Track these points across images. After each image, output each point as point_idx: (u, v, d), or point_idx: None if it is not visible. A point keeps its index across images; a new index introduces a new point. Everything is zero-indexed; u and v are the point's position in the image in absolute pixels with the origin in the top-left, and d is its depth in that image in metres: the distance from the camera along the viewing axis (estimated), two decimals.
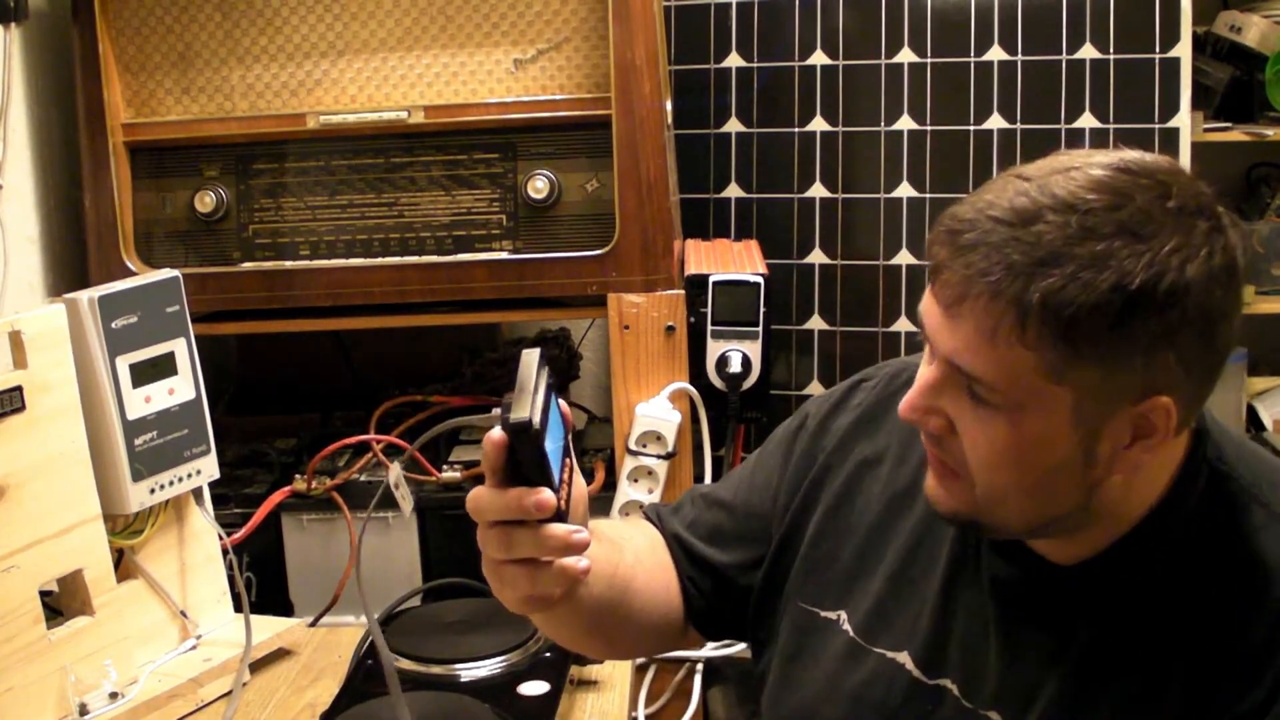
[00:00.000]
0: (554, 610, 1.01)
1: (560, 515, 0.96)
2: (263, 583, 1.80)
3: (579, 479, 1.02)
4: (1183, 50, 2.07)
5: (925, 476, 1.05)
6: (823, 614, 1.15)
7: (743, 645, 1.89)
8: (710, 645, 1.90)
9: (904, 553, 1.12)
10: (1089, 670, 1.00)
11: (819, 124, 2.19)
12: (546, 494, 0.93)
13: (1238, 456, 1.02)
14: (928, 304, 0.97)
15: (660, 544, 1.25)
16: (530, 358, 0.97)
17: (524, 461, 0.94)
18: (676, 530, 1.25)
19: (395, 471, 1.63)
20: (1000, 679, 1.03)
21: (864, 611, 1.12)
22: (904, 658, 1.09)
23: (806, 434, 1.22)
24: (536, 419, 0.92)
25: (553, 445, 0.96)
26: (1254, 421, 2.50)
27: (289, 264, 1.85)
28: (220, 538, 1.68)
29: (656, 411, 1.78)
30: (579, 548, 0.95)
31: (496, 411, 0.94)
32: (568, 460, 1.01)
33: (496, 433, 0.93)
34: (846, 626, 1.13)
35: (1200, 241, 0.89)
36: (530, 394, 0.94)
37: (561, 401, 1.00)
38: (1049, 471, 0.95)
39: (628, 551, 1.17)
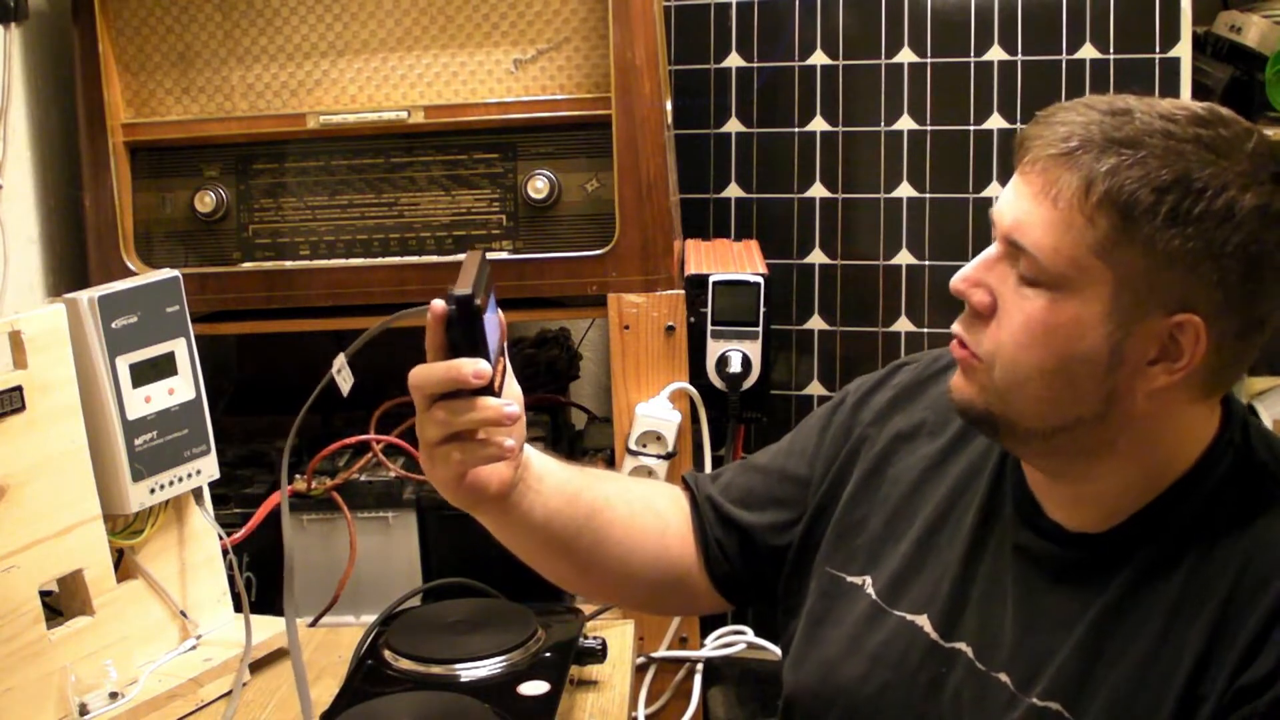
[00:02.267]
0: (495, 508, 1.13)
1: (493, 392, 1.04)
2: (263, 583, 1.80)
3: (513, 381, 1.11)
4: (1183, 50, 2.07)
5: (959, 447, 1.12)
6: (849, 579, 1.18)
7: (743, 645, 1.90)
8: (710, 645, 1.90)
9: (931, 520, 1.14)
10: (1100, 639, 1.01)
11: (819, 124, 2.19)
12: (483, 363, 1.02)
13: (1264, 443, 1.04)
14: (1004, 191, 1.01)
15: (678, 502, 1.30)
16: (474, 255, 1.09)
17: (463, 335, 1.03)
18: (709, 493, 1.29)
19: (339, 360, 1.63)
20: (1014, 644, 1.05)
21: (888, 575, 1.15)
22: (923, 620, 1.11)
23: (845, 409, 1.26)
24: (479, 297, 1.03)
25: (491, 338, 1.05)
26: None
27: (289, 264, 1.85)
28: (220, 538, 1.68)
29: (656, 411, 1.78)
30: (511, 418, 1.04)
31: (436, 303, 1.04)
32: (502, 360, 1.09)
33: (438, 304, 1.03)
34: (870, 590, 1.16)
35: (1265, 180, 0.94)
36: (473, 278, 1.04)
37: (500, 311, 1.11)
38: (1073, 359, 0.97)
39: (610, 486, 1.24)
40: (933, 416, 1.19)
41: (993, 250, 1.02)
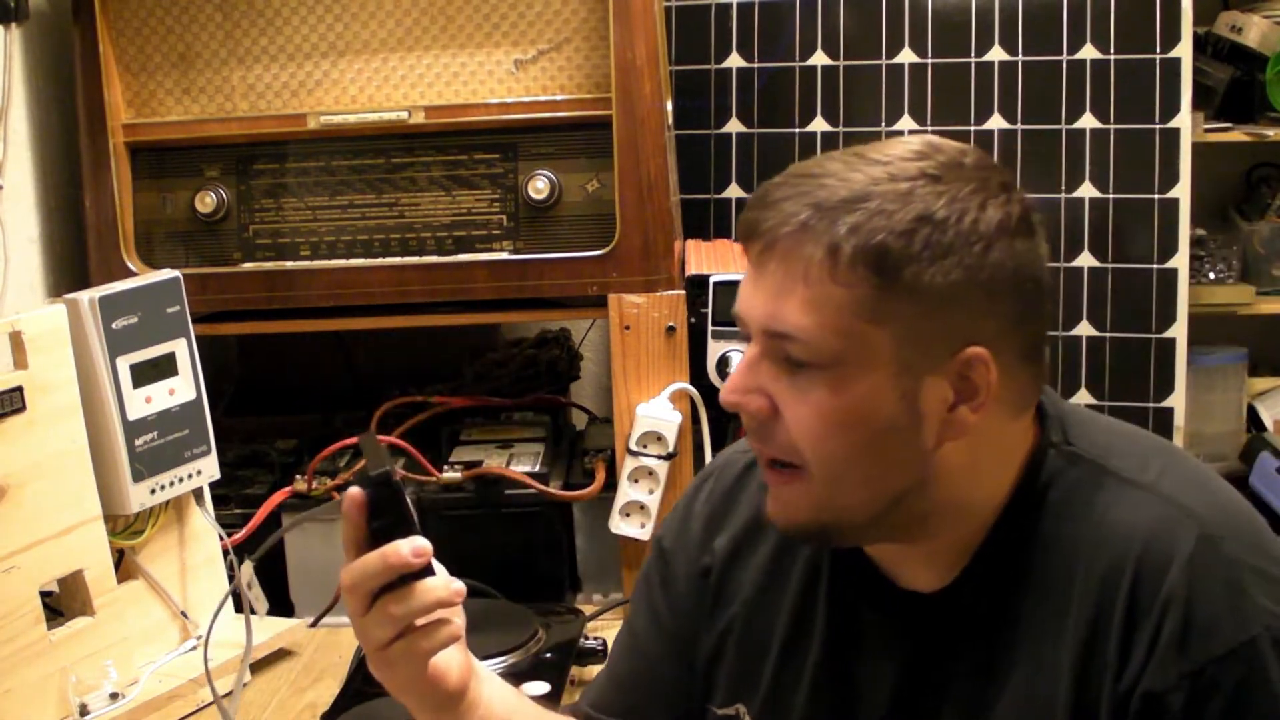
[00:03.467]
0: (458, 704, 1.04)
1: (431, 570, 0.98)
2: (263, 583, 1.80)
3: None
4: (1183, 50, 2.07)
5: (790, 548, 1.07)
6: (720, 711, 1.13)
7: None
8: None
9: (788, 630, 1.09)
10: (982, 686, 0.99)
11: (819, 124, 2.19)
12: (420, 539, 0.96)
13: (1082, 433, 1.01)
14: (742, 285, 0.97)
15: None
16: (368, 437, 1.04)
17: (391, 516, 0.97)
18: None
19: (246, 571, 1.56)
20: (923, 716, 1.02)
21: (760, 699, 1.10)
22: None
23: (666, 560, 1.19)
24: (396, 472, 0.97)
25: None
26: (1254, 421, 2.50)
27: (289, 264, 1.85)
28: (221, 538, 1.68)
29: (657, 412, 1.78)
30: (460, 593, 0.98)
31: (353, 490, 0.97)
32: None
33: (355, 491, 0.96)
34: (747, 718, 1.12)
35: (996, 191, 0.93)
36: (383, 456, 0.99)
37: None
38: (878, 434, 0.93)
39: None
40: (752, 522, 1.13)
41: (752, 352, 0.96)
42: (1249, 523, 0.97)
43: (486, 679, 1.09)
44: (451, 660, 1.03)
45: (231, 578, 1.68)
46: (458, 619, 1.01)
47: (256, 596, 1.58)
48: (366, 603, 0.98)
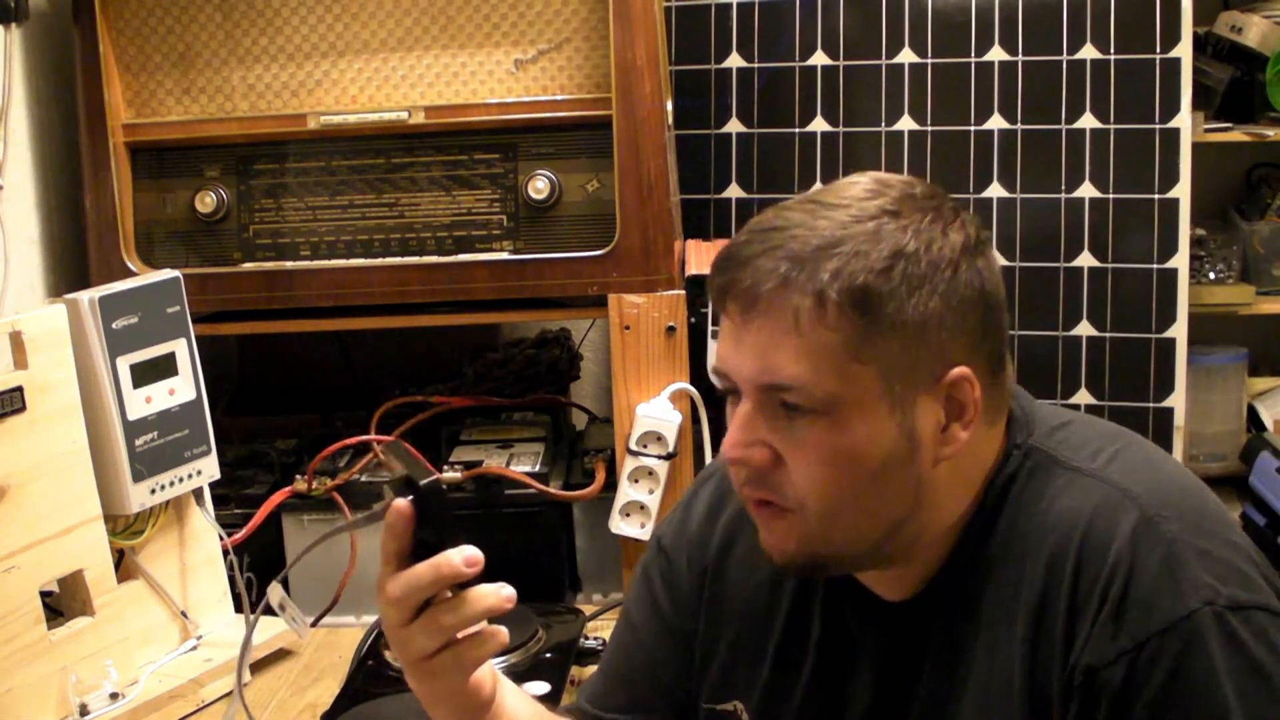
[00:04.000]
0: (487, 712, 1.03)
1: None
2: (263, 583, 1.79)
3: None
4: (1183, 50, 2.07)
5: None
6: (719, 708, 1.15)
7: None
8: None
9: (783, 633, 1.12)
10: (948, 678, 1.01)
11: (820, 124, 2.19)
12: (471, 549, 0.95)
13: (1045, 428, 1.04)
14: (721, 344, 0.99)
15: None
16: (395, 447, 1.01)
17: (439, 525, 0.95)
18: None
19: (278, 592, 1.51)
20: (902, 714, 1.04)
21: (758, 696, 1.12)
22: None
23: (668, 557, 1.20)
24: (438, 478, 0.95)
25: None
26: (1254, 421, 2.50)
27: (289, 264, 1.85)
28: (221, 538, 1.68)
29: (657, 412, 1.78)
30: (512, 599, 0.98)
31: (399, 503, 0.94)
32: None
33: (402, 503, 0.94)
34: (745, 716, 1.13)
35: (950, 216, 0.97)
36: (419, 465, 0.96)
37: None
38: (880, 467, 0.96)
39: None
40: (749, 523, 1.12)
41: (745, 409, 0.97)
42: (1194, 504, 0.98)
43: (509, 692, 1.10)
44: (485, 669, 1.03)
45: (232, 579, 1.68)
46: (501, 627, 1.00)
47: (292, 616, 1.54)
48: (411, 614, 0.97)
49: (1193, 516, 0.97)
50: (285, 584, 1.87)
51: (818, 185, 1.01)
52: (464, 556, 0.95)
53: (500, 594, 0.97)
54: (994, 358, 0.99)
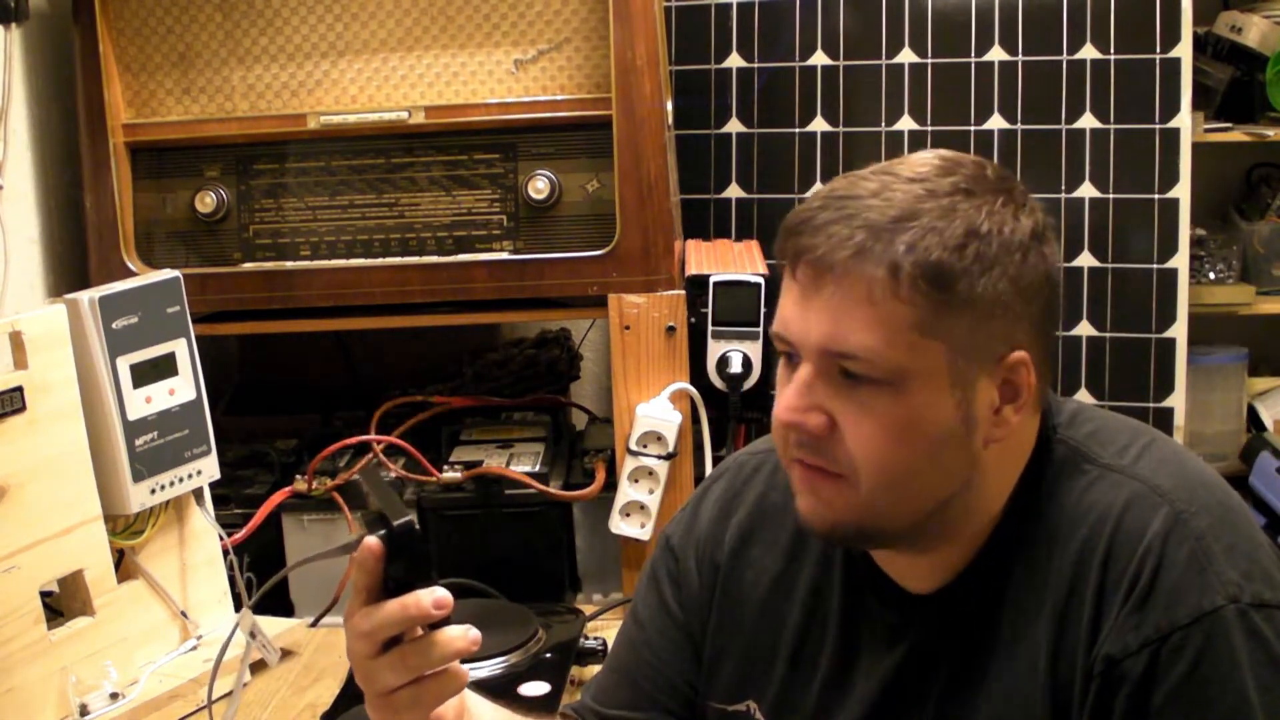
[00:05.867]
0: None
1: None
2: (263, 583, 1.79)
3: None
4: (1183, 50, 2.07)
5: (801, 548, 1.10)
6: (731, 709, 1.15)
7: None
8: None
9: (799, 628, 1.12)
10: (970, 671, 1.02)
11: (820, 124, 2.19)
12: (442, 590, 0.95)
13: (1071, 422, 1.05)
14: (786, 306, 0.99)
15: None
16: (371, 475, 1.00)
17: (410, 565, 0.95)
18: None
19: (248, 619, 1.51)
20: (928, 706, 1.04)
21: (771, 695, 1.12)
22: None
23: (675, 557, 1.20)
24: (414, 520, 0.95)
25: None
26: (1254, 421, 2.50)
27: (289, 264, 1.85)
28: (221, 538, 1.68)
29: (657, 412, 1.78)
30: (477, 641, 0.97)
31: (370, 540, 0.95)
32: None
33: (373, 542, 0.94)
34: (759, 715, 1.13)
35: (1021, 200, 0.98)
36: (393, 500, 0.96)
37: None
38: (936, 443, 0.96)
39: None
40: (761, 522, 1.15)
41: (804, 373, 0.97)
42: (1221, 502, 0.99)
43: (475, 703, 1.10)
44: (449, 704, 1.03)
45: (232, 579, 1.68)
46: (464, 669, 1.00)
47: (263, 644, 1.56)
48: (376, 649, 0.97)
49: (1220, 512, 0.98)
50: (266, 591, 1.87)
51: (883, 162, 1.03)
52: (434, 599, 0.95)
53: (468, 637, 0.97)
54: (1049, 345, 1.01)
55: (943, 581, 1.04)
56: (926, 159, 1.00)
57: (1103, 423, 1.05)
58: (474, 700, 1.10)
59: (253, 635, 1.51)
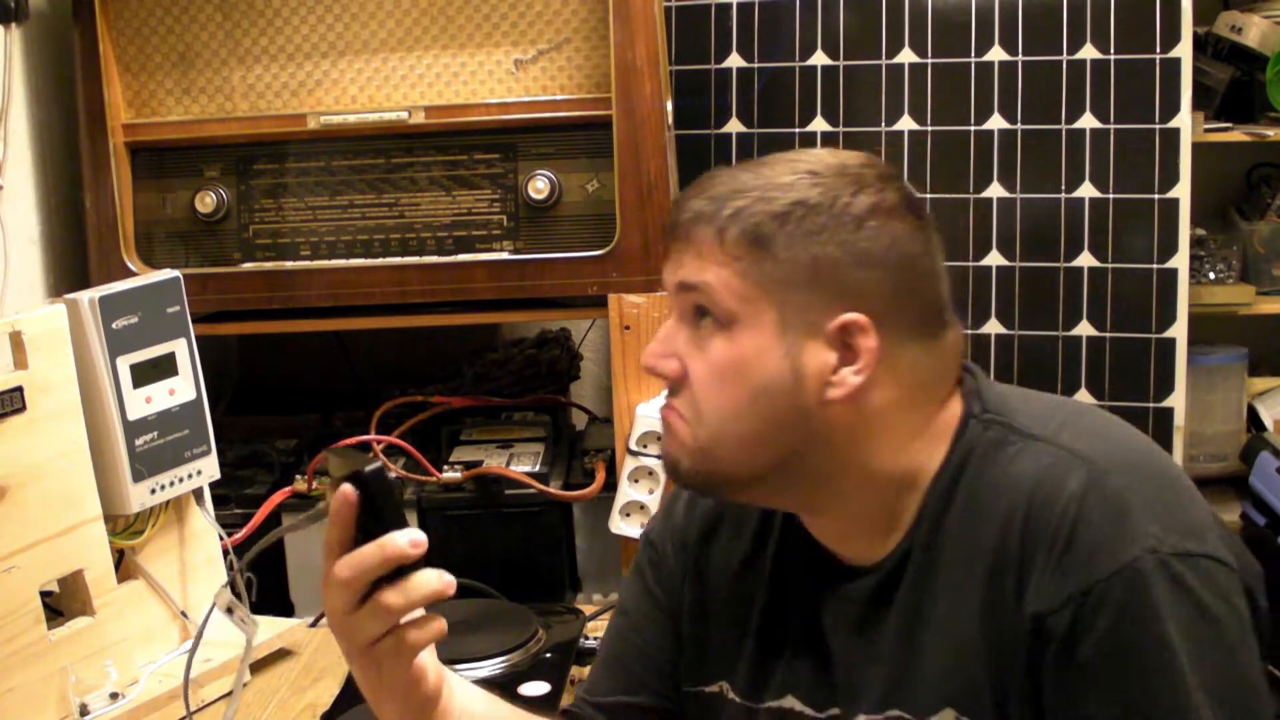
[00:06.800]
0: (433, 707, 1.07)
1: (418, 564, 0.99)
2: (263, 583, 1.80)
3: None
4: (1183, 50, 2.07)
5: (766, 532, 1.15)
6: (706, 690, 1.18)
7: None
8: None
9: (765, 606, 1.15)
10: (911, 641, 1.05)
11: (820, 124, 2.19)
12: (417, 531, 0.98)
13: (998, 401, 1.08)
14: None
15: None
16: (337, 450, 1.04)
17: (384, 507, 0.97)
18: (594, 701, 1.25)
19: (225, 596, 1.53)
20: (873, 682, 1.07)
21: (743, 674, 1.15)
22: (791, 701, 1.12)
23: (656, 553, 1.24)
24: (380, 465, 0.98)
25: None
26: (1254, 421, 2.50)
27: (289, 264, 1.85)
28: (221, 538, 1.68)
29: (657, 412, 1.77)
30: (452, 584, 1.01)
31: (345, 488, 0.97)
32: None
33: (347, 489, 0.97)
34: (731, 694, 1.16)
35: (872, 182, 1.04)
36: (360, 459, 0.99)
37: None
38: (761, 389, 1.03)
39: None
40: (729, 507, 1.20)
41: (668, 323, 1.08)
42: (1143, 462, 1.03)
43: (458, 686, 1.12)
44: (428, 660, 1.06)
45: (232, 579, 1.68)
46: (440, 616, 1.04)
47: (241, 618, 1.57)
48: (358, 598, 0.99)
49: (1140, 472, 1.01)
50: (282, 576, 1.87)
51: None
52: (409, 539, 0.98)
53: (443, 579, 1.01)
54: (912, 321, 1.04)
55: (881, 556, 1.08)
56: (817, 151, 1.09)
57: (1031, 402, 1.09)
58: (459, 683, 1.13)
59: (229, 611, 1.53)
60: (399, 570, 0.98)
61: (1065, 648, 0.95)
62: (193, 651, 1.37)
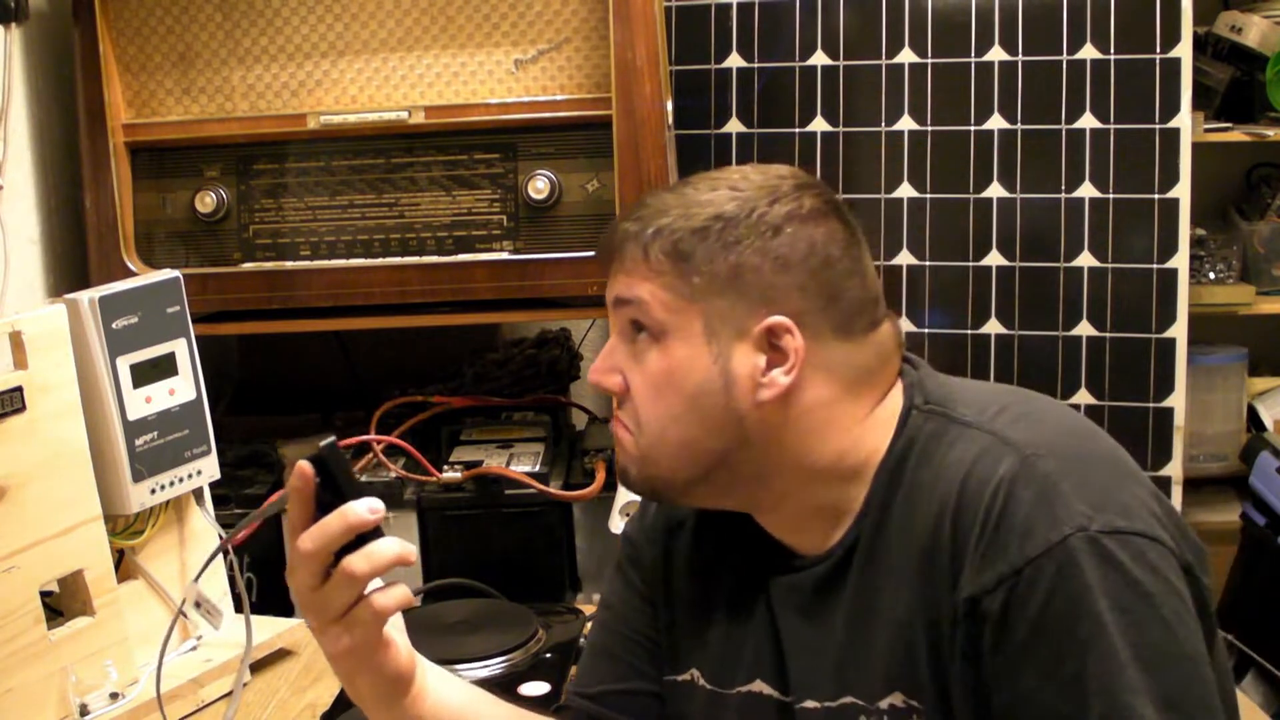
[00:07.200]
0: (405, 687, 1.10)
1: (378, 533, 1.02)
2: (263, 583, 1.80)
3: None
4: (1183, 50, 2.07)
5: (726, 537, 1.17)
6: (678, 678, 1.20)
7: None
8: None
9: (730, 594, 1.18)
10: (861, 629, 1.07)
11: (820, 124, 2.19)
12: (374, 499, 1.01)
13: (939, 392, 1.10)
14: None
15: None
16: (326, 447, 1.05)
17: (340, 479, 1.01)
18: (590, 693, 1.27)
19: (193, 592, 1.55)
20: (825, 667, 1.09)
21: (712, 660, 1.18)
22: (759, 685, 1.14)
23: (633, 551, 1.27)
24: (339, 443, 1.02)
25: None
26: (1254, 421, 2.50)
27: (289, 264, 1.85)
28: (220, 538, 1.68)
29: None
30: (412, 552, 1.03)
31: (302, 463, 1.01)
32: None
33: (303, 464, 1.01)
34: (701, 681, 1.18)
35: (789, 191, 1.09)
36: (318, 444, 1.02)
37: None
38: (694, 396, 1.07)
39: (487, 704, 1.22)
40: (693, 513, 1.22)
41: (611, 340, 1.13)
42: (1077, 445, 1.04)
43: (433, 670, 1.16)
44: (397, 637, 1.09)
45: (232, 579, 1.68)
46: (402, 584, 1.07)
47: (207, 611, 1.59)
48: (324, 569, 1.02)
49: (1073, 454, 1.02)
50: (281, 576, 1.87)
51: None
52: (368, 505, 1.01)
53: (404, 545, 1.03)
54: (838, 320, 1.07)
55: (826, 547, 1.10)
56: (741, 169, 1.13)
57: (971, 392, 1.11)
58: (434, 668, 1.16)
59: (198, 605, 1.55)
60: (359, 540, 1.01)
61: (1000, 627, 0.97)
62: (163, 651, 1.36)
